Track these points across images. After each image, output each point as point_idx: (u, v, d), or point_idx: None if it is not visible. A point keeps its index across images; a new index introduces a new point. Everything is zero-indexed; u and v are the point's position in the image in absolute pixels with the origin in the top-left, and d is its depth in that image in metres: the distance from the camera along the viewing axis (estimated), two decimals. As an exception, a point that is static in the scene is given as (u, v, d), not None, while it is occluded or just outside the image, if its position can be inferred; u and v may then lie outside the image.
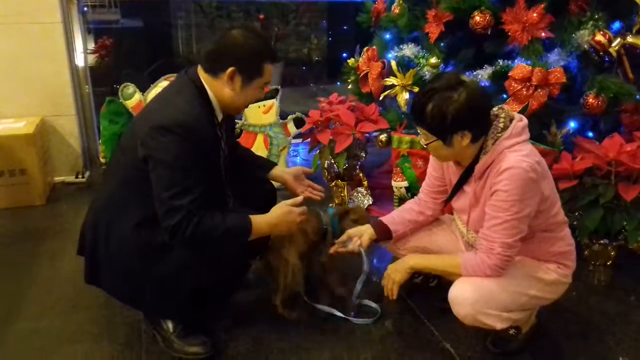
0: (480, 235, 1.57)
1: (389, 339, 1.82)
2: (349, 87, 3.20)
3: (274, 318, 1.87)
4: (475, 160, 1.57)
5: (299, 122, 3.22)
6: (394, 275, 1.71)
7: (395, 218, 1.88)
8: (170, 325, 1.72)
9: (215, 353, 1.71)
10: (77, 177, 3.31)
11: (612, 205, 2.07)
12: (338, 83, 4.24)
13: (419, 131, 1.61)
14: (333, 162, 2.95)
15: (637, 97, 2.43)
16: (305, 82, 5.98)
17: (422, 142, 1.61)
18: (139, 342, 1.79)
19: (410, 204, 1.91)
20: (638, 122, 2.48)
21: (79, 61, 3.31)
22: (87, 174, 3.35)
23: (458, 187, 1.69)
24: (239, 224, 1.58)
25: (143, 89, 3.18)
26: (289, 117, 3.24)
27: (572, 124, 2.50)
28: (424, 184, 1.88)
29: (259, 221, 1.61)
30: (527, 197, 1.47)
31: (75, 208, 2.95)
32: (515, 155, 1.48)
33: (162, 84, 3.21)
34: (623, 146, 2.09)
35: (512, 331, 1.74)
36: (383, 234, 1.85)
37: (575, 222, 2.19)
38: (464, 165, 1.63)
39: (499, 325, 1.55)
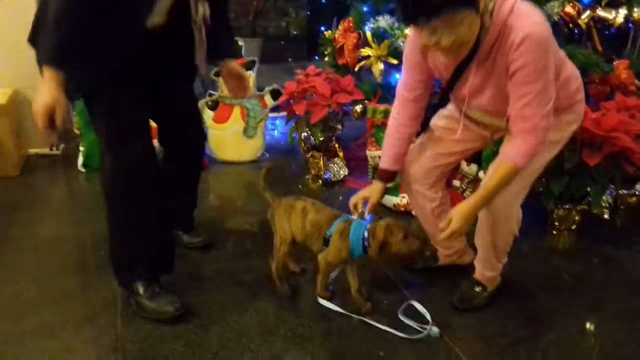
0: (513, 119, 1.48)
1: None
2: (326, 59, 3.21)
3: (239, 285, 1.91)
4: (477, 43, 1.46)
5: (275, 94, 3.22)
6: (464, 225, 1.55)
7: (390, 158, 1.79)
8: (140, 288, 1.75)
9: (187, 311, 1.76)
10: (51, 150, 3.27)
11: (576, 171, 2.14)
12: (316, 57, 4.23)
13: (434, 30, 1.36)
14: (309, 133, 2.97)
15: (605, 68, 2.50)
16: (284, 58, 5.94)
17: (445, 41, 1.37)
18: (114, 305, 1.82)
19: (392, 137, 1.78)
20: (605, 92, 2.56)
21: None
22: (61, 146, 3.31)
23: (458, 76, 1.58)
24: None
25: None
26: (266, 89, 3.24)
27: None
28: (400, 99, 1.75)
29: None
30: (551, 58, 1.42)
31: (49, 180, 2.94)
32: (521, 22, 1.39)
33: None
34: (588, 114, 2.15)
35: (478, 289, 1.81)
36: (389, 179, 1.81)
37: (541, 188, 2.26)
38: (466, 50, 1.48)
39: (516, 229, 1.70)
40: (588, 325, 1.76)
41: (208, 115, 3.22)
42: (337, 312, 1.77)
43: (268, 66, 5.57)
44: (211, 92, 3.29)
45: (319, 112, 2.78)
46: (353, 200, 1.84)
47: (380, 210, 2.02)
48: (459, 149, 1.81)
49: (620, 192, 2.51)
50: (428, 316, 1.70)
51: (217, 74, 3.20)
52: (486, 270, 1.81)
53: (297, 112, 2.85)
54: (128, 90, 1.66)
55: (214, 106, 3.24)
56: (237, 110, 3.21)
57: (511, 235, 1.72)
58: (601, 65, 2.46)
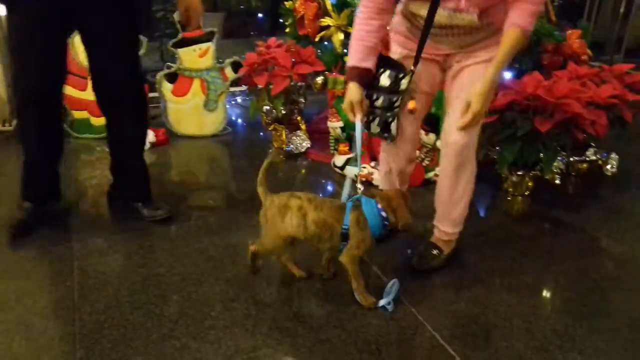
0: None
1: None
2: (287, 30, 3.17)
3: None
4: None
5: (236, 67, 3.18)
6: (484, 105, 1.56)
7: (359, 53, 1.64)
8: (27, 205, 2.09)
9: (148, 282, 1.77)
10: (3, 126, 3.16)
11: (529, 138, 2.21)
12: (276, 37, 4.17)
13: None
14: (271, 106, 2.95)
15: (559, 38, 2.57)
16: (246, 33, 5.84)
17: None
18: (70, 279, 1.80)
19: (360, 31, 1.64)
20: (558, 62, 2.64)
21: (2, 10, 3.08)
22: (14, 122, 3.19)
23: None
24: None
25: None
26: (226, 61, 3.19)
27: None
28: None
29: None
30: None
31: (2, 155, 2.83)
32: None
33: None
34: (540, 82, 2.21)
35: (435, 252, 1.87)
36: (361, 78, 1.65)
37: (495, 156, 2.33)
38: None
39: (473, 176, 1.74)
40: (538, 284, 1.84)
41: (167, 88, 3.16)
42: (298, 278, 1.80)
43: (231, 41, 5.48)
44: (169, 64, 3.22)
45: (280, 83, 2.76)
46: (347, 109, 1.67)
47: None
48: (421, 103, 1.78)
49: (571, 159, 2.61)
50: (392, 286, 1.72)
51: (175, 45, 3.13)
52: (445, 226, 1.86)
53: (258, 84, 2.83)
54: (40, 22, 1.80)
55: (172, 79, 3.17)
56: (196, 83, 3.16)
57: (470, 183, 1.77)
58: (554, 34, 2.52)
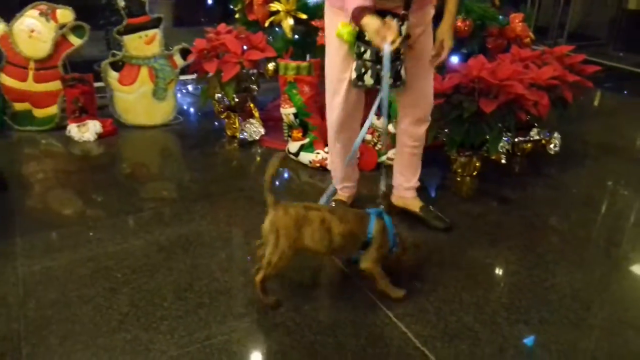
0: None
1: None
2: (237, 15, 3.12)
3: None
4: None
5: (185, 54, 3.11)
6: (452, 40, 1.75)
7: None
8: None
9: (97, 276, 1.71)
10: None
11: (474, 119, 2.27)
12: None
13: None
14: (223, 94, 2.91)
15: (502, 22, 2.64)
16: (197, 21, 5.70)
17: None
18: (14, 274, 1.73)
19: None
20: (502, 45, 2.71)
21: None
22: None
23: None
24: None
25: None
26: (175, 48, 3.11)
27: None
28: None
29: None
30: None
31: None
32: None
33: (29, 13, 2.94)
34: (485, 64, 2.27)
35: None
36: (370, 12, 1.60)
37: (444, 138, 2.39)
38: None
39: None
40: (486, 259, 1.90)
41: (113, 77, 3.05)
42: (252, 264, 1.79)
43: (181, 29, 5.33)
44: (115, 52, 3.11)
45: (230, 70, 2.72)
46: (376, 37, 1.57)
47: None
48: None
49: (516, 139, 2.70)
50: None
51: (119, 32, 3.03)
52: (407, 181, 2.02)
53: (208, 71, 2.77)
54: None
55: (118, 67, 3.07)
56: (144, 71, 3.06)
57: (427, 121, 1.96)
58: (498, 18, 2.58)
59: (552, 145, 2.81)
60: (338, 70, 1.84)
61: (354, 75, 1.76)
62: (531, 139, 2.75)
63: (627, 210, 2.30)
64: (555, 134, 2.81)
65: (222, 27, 2.98)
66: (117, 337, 1.47)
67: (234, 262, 1.83)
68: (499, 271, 1.85)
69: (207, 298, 1.65)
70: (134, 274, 1.76)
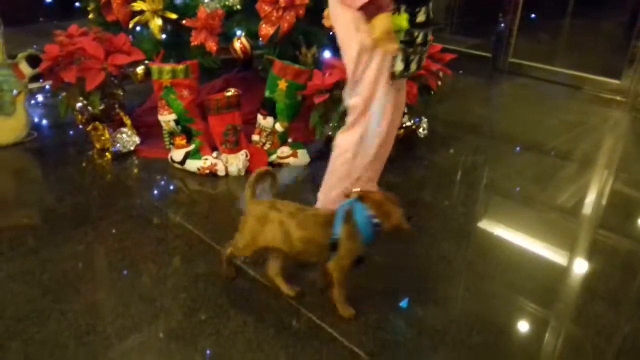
0: None
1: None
2: (90, 16, 2.82)
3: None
4: None
5: (33, 61, 2.72)
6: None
7: None
8: None
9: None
10: None
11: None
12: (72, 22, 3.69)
13: None
14: (85, 103, 2.63)
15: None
16: (33, 19, 5.04)
17: None
18: None
19: None
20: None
21: None
22: None
23: None
24: None
25: None
26: (19, 55, 2.71)
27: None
28: None
29: None
30: None
31: None
32: None
33: None
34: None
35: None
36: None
37: (330, 132, 2.45)
38: None
39: None
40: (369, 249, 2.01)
41: (-57, 93, 2.57)
42: (163, 294, 1.67)
43: (14, 29, 4.66)
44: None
45: (94, 77, 2.46)
46: (385, 38, 1.58)
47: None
48: None
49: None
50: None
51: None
52: None
53: (66, 80, 2.48)
54: None
55: (-51, 81, 2.59)
56: (-17, 84, 2.63)
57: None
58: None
59: (421, 130, 3.03)
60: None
61: (400, 66, 1.68)
62: (404, 125, 2.94)
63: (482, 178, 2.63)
64: (423, 119, 3.04)
65: (73, 28, 2.68)
66: (17, 405, 1.28)
67: (137, 293, 1.69)
68: (376, 248, 1.90)
69: (114, 338, 1.50)
70: (20, 323, 1.53)
